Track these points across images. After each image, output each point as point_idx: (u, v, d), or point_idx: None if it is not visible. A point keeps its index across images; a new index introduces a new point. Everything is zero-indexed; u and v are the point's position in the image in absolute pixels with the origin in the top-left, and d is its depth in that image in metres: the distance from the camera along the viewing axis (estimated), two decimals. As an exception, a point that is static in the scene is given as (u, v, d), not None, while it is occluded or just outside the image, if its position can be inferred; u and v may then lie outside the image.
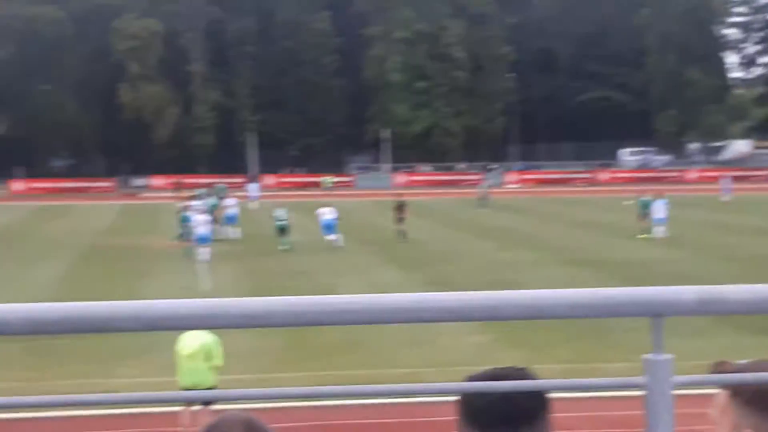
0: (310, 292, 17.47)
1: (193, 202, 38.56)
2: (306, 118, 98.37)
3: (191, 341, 13.39)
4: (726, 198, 62.53)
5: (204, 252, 32.29)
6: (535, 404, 2.44)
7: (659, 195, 42.33)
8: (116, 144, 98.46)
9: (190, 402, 13.62)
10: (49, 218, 54.84)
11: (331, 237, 38.52)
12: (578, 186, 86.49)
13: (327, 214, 39.35)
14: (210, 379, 13.41)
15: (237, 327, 1.90)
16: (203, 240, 32.94)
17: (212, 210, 39.76)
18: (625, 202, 46.72)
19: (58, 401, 2.03)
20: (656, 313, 1.86)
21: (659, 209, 41.18)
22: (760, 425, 2.47)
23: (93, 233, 44.95)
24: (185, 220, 36.91)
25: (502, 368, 2.48)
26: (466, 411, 2.46)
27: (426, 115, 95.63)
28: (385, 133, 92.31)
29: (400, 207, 42.20)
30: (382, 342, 19.82)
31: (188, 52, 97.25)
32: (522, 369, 2.47)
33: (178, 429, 13.69)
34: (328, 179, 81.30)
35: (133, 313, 1.84)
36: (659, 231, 40.55)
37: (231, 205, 44.07)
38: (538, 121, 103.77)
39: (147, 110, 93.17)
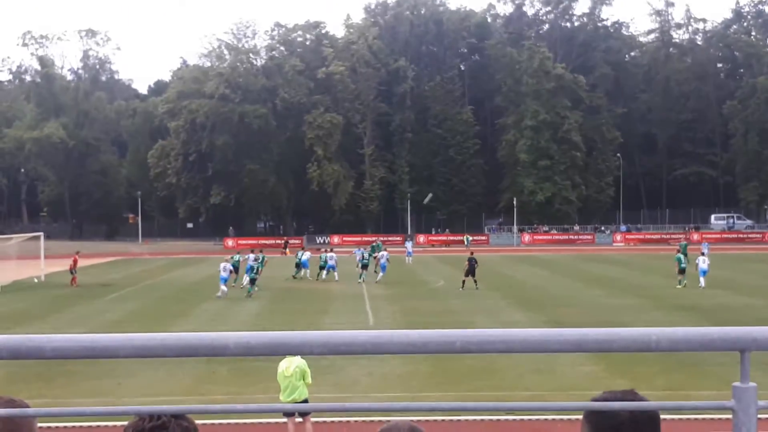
0: (453, 328, 17.44)
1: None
2: (451, 189, 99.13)
3: (288, 365, 13.45)
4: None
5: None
6: (654, 425, 2.34)
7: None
8: (304, 210, 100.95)
9: (293, 414, 13.51)
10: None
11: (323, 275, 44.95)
12: (672, 245, 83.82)
13: (330, 259, 45.10)
14: (304, 393, 13.48)
15: (400, 353, 1.92)
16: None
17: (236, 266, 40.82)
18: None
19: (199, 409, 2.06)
20: (743, 348, 1.79)
21: (703, 263, 39.56)
22: None
23: (284, 279, 45.92)
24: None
25: (620, 391, 2.39)
26: (595, 429, 2.36)
27: (548, 187, 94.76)
28: (515, 202, 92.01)
29: (472, 261, 39.63)
30: (511, 369, 19.52)
31: (361, 138, 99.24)
32: (634, 392, 2.38)
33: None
34: (468, 238, 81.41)
35: (320, 340, 1.87)
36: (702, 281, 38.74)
37: (383, 256, 45.89)
38: (641, 192, 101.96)
39: (328, 184, 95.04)
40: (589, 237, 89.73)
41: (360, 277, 43.81)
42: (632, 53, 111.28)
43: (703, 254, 42.32)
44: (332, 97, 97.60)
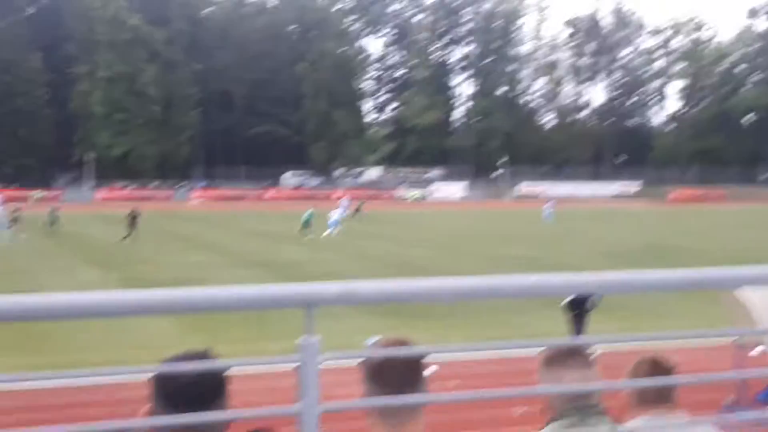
0: (23, 292, 16.48)
1: None
2: (19, 142, 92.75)
3: None
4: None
5: None
6: (219, 384, 2.36)
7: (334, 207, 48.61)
8: None
9: None
10: None
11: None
12: (249, 201, 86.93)
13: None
14: None
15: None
16: None
17: None
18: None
19: None
20: (307, 305, 1.87)
21: (334, 215, 45.82)
22: (371, 394, 2.54)
23: None
24: None
25: (188, 353, 2.38)
26: (161, 393, 2.32)
27: (124, 141, 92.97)
28: (89, 156, 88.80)
29: (132, 216, 40.93)
30: (83, 331, 18.91)
31: None
32: (205, 352, 2.38)
33: None
34: (37, 194, 77.17)
35: None
36: (333, 232, 44.29)
37: None
38: (218, 148, 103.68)
39: None
40: (167, 193, 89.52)
41: None
42: (209, 9, 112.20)
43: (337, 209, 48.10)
44: None
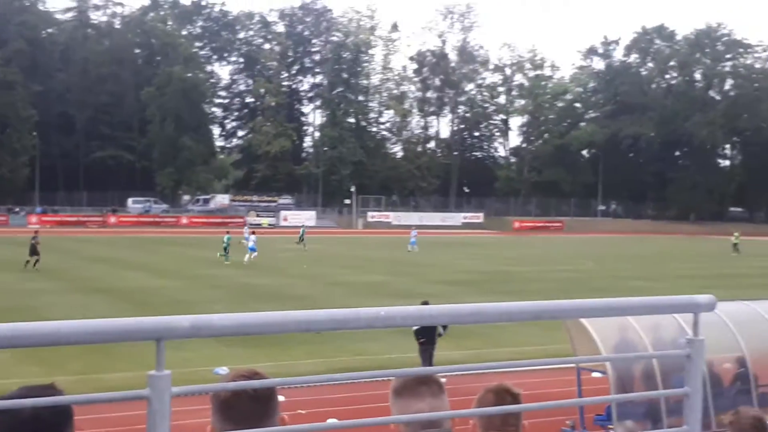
0: None
1: None
2: None
3: None
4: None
5: None
6: (61, 419, 2.25)
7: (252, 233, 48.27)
8: None
9: None
10: None
11: None
12: (91, 227, 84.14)
13: None
14: None
15: None
16: None
17: None
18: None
19: None
20: (158, 338, 1.83)
21: (251, 242, 46.06)
22: (220, 427, 2.50)
23: None
24: None
25: (31, 387, 2.26)
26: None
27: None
28: None
29: (35, 241, 40.51)
30: None
31: None
32: (50, 386, 2.27)
33: None
34: None
35: None
36: (251, 257, 44.93)
37: None
38: (58, 173, 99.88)
39: None
40: (2, 218, 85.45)
41: None
42: (49, 30, 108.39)
43: (253, 233, 47.91)
44: None
